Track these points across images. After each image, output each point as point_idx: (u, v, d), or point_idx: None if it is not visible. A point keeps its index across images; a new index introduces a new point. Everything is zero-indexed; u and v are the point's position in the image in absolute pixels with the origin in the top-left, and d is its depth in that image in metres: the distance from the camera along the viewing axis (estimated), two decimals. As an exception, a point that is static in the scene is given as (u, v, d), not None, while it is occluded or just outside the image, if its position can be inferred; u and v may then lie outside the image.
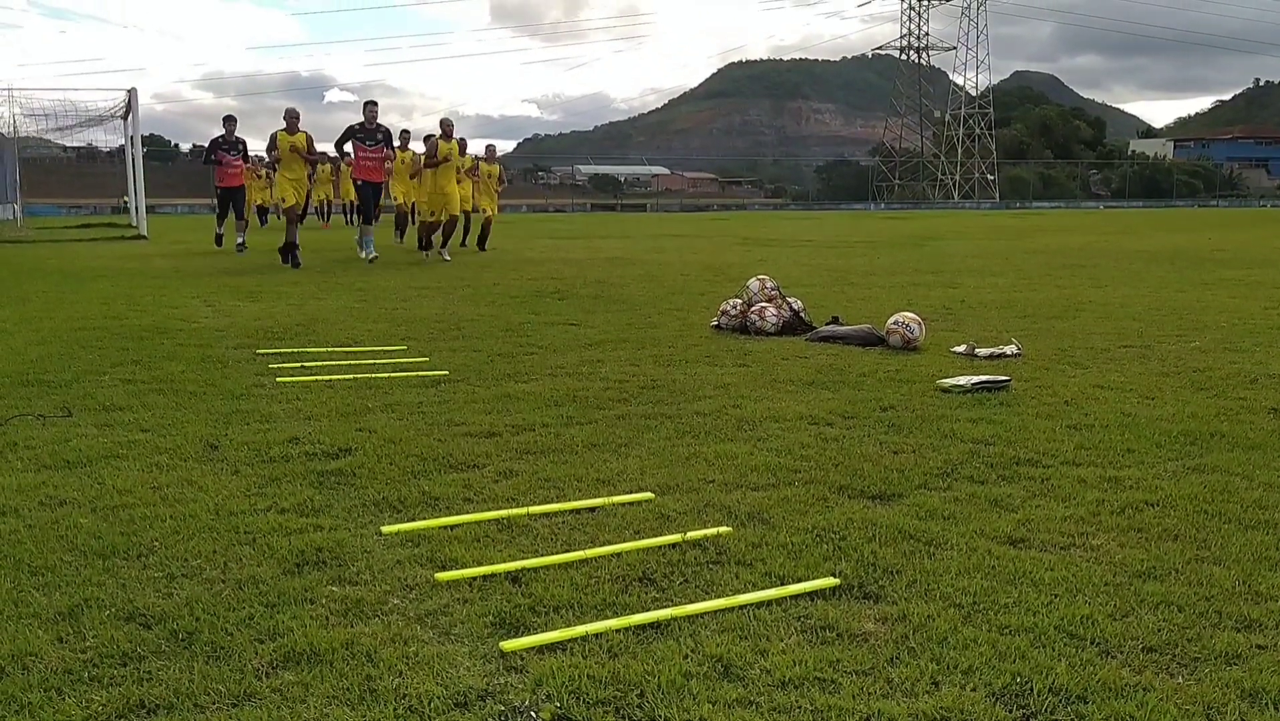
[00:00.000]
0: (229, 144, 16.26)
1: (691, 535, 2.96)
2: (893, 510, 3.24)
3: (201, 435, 4.13)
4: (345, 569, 2.72)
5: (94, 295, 9.50)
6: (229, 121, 16.50)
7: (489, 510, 3.21)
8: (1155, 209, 56.70)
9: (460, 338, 6.89)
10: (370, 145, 13.70)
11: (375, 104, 13.90)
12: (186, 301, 9.05)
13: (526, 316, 8.05)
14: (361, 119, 13.64)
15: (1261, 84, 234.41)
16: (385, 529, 3.03)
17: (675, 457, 3.85)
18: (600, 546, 2.90)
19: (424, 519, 3.12)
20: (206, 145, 16.74)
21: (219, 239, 16.74)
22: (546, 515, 3.18)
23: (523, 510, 3.20)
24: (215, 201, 17.04)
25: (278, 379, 5.30)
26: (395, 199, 22.63)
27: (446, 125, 14.94)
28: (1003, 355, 6.06)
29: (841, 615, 2.44)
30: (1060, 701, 2.05)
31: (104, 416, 4.46)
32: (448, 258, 14.47)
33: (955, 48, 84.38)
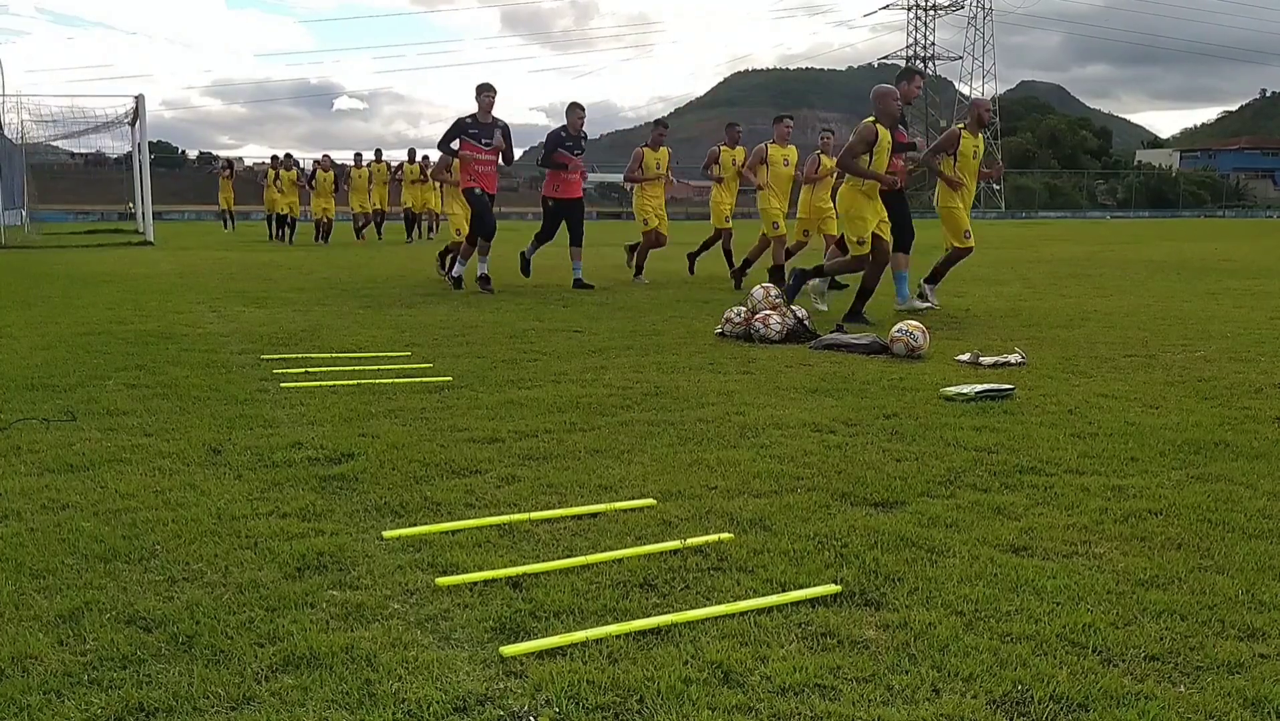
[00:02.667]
0: (573, 139, 11.31)
1: (692, 541, 2.96)
2: (895, 517, 3.23)
3: (205, 440, 4.13)
4: (346, 573, 2.72)
5: (100, 300, 9.52)
6: (574, 110, 11.44)
7: (491, 515, 3.21)
8: (1161, 219, 56.62)
9: (464, 344, 6.90)
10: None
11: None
12: (192, 307, 9.07)
13: (530, 323, 8.06)
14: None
15: (1268, 94, 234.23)
16: (387, 534, 3.03)
17: (678, 464, 3.85)
18: (601, 552, 2.89)
19: (426, 524, 3.12)
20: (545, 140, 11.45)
21: (526, 265, 11.52)
22: (548, 520, 3.18)
23: (524, 515, 3.19)
24: (541, 213, 11.69)
25: (282, 384, 5.31)
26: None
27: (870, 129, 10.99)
28: (1007, 363, 6.05)
29: (842, 622, 2.43)
30: (1061, 709, 2.04)
31: (108, 421, 4.47)
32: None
33: (961, 57, 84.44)
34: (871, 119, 8.34)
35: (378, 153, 23.99)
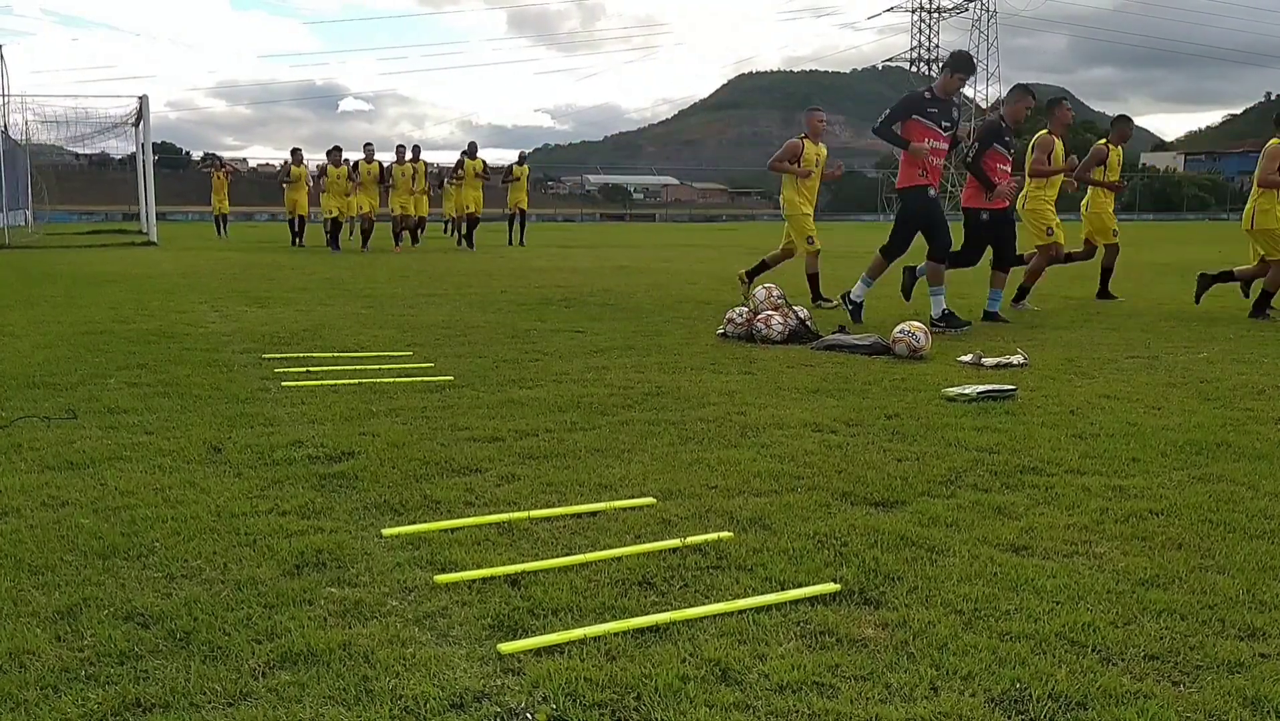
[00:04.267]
0: (1013, 133, 8.72)
1: (691, 540, 2.95)
2: (895, 517, 3.22)
3: (205, 438, 4.13)
4: (345, 571, 2.72)
5: (102, 300, 9.53)
6: (1022, 98, 8.86)
7: (490, 514, 3.20)
8: (1165, 222, 56.54)
9: (466, 344, 6.89)
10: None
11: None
12: (194, 306, 9.08)
13: (533, 323, 8.05)
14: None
15: (1273, 97, 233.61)
16: (386, 531, 3.02)
17: (678, 463, 3.84)
18: (600, 550, 2.89)
19: (425, 522, 3.12)
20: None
21: (911, 287, 8.73)
22: (547, 519, 3.17)
23: (524, 514, 3.19)
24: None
25: (283, 383, 5.31)
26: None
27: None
28: (1009, 364, 6.04)
29: (841, 620, 2.43)
30: (1060, 707, 2.03)
31: (108, 419, 4.47)
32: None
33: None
34: None
35: (416, 150, 20.76)
